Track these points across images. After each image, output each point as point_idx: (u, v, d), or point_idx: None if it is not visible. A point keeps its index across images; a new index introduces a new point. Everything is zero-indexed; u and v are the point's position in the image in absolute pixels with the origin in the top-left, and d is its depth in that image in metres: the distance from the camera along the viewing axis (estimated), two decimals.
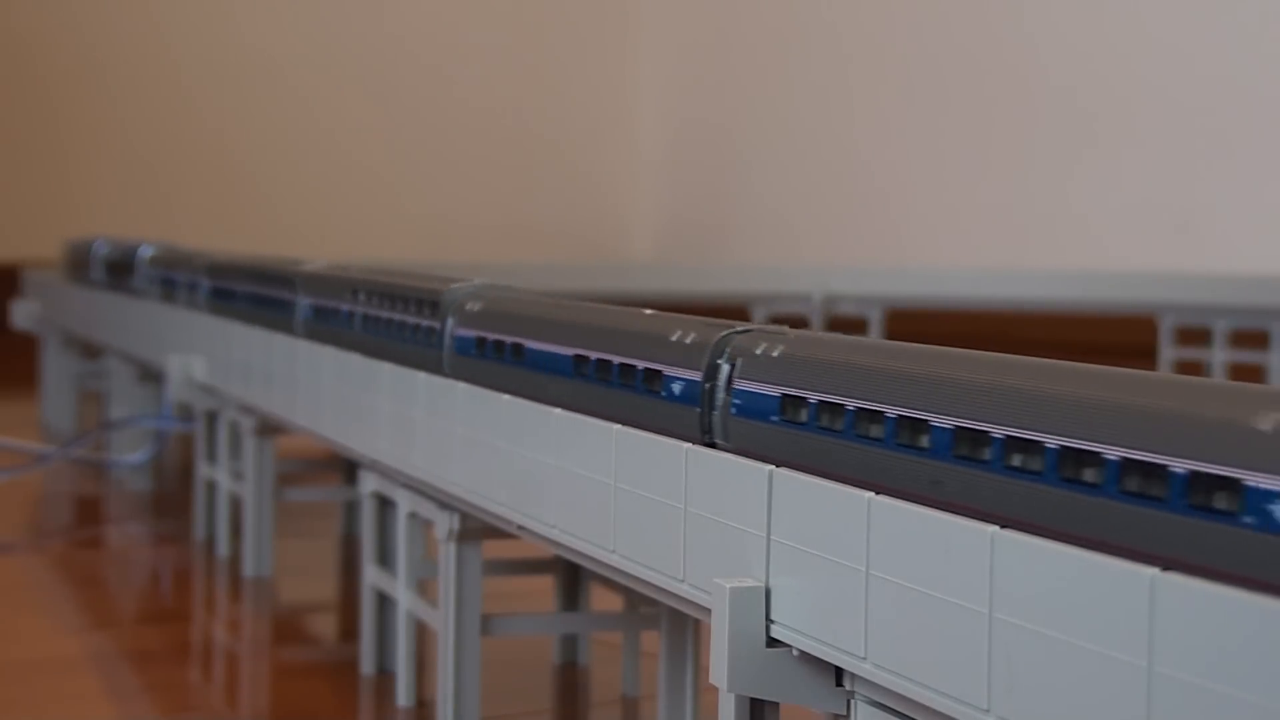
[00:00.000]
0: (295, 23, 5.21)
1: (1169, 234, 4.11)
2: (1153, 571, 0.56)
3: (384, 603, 1.44)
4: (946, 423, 0.70)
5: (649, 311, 1.01)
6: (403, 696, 1.35)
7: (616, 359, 0.98)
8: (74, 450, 2.52)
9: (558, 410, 1.02)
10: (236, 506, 1.93)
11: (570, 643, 1.47)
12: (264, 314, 1.76)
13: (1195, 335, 3.87)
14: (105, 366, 2.76)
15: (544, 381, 1.08)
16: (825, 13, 5.27)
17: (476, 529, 1.22)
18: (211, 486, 2.03)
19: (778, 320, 4.29)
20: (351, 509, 2.03)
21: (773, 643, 0.78)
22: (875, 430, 0.75)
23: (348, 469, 1.89)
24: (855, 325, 4.01)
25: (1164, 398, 0.60)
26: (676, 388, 0.92)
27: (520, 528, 1.08)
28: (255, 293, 1.82)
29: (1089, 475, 0.61)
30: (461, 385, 1.17)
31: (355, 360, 1.41)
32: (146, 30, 5.00)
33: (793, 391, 0.82)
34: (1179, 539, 0.57)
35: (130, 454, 2.47)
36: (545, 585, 1.48)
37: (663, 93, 5.90)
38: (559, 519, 1.01)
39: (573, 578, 1.43)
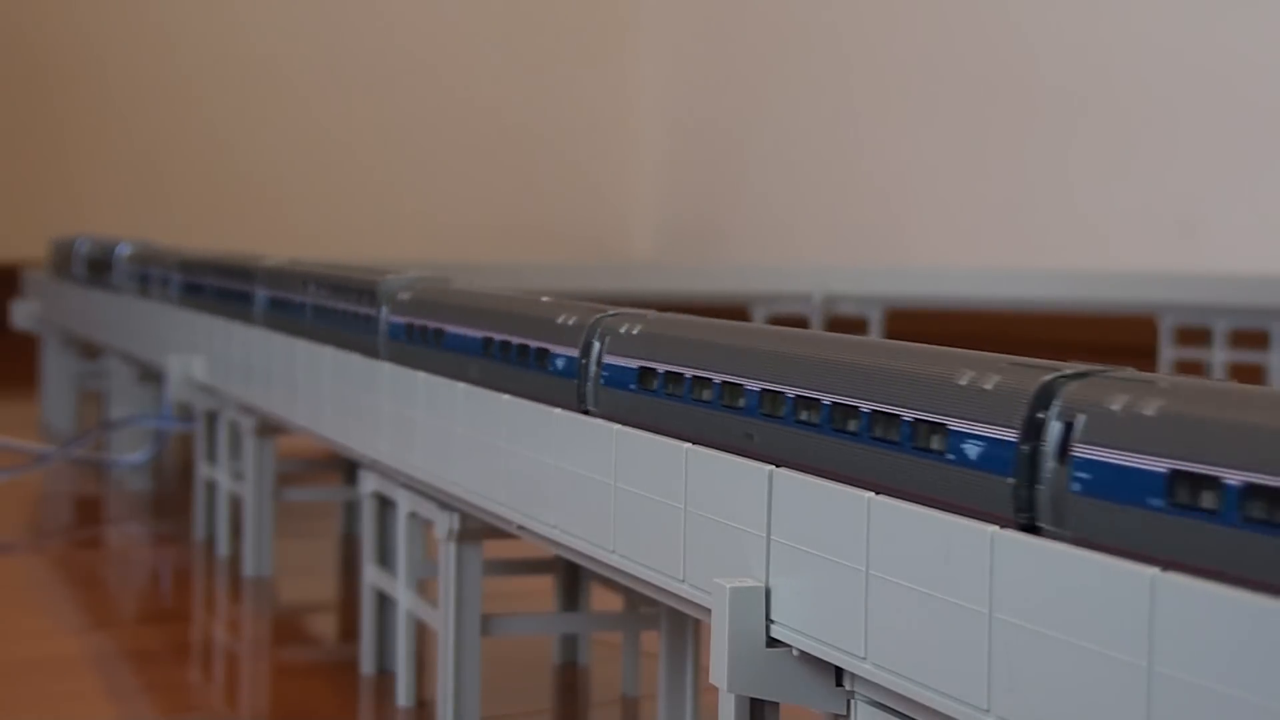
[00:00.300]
0: (294, 22, 5.21)
1: (1169, 234, 4.11)
2: (1153, 571, 0.56)
3: (384, 603, 1.44)
4: (755, 386, 0.84)
5: (545, 299, 1.14)
6: (403, 696, 1.35)
7: (515, 340, 1.12)
8: (74, 450, 2.52)
9: (558, 410, 1.02)
10: (236, 506, 1.93)
11: (570, 643, 1.47)
12: (227, 305, 1.92)
13: (1195, 335, 3.87)
14: (105, 366, 2.76)
15: (462, 361, 1.21)
16: (825, 13, 5.27)
17: (476, 529, 1.22)
18: (211, 486, 2.03)
19: (778, 320, 4.29)
20: (351, 509, 2.03)
21: (773, 643, 0.78)
22: (705, 394, 0.89)
23: (348, 469, 1.89)
24: (855, 325, 4.01)
25: (898, 360, 0.75)
26: (560, 363, 1.06)
27: (520, 528, 1.08)
28: (219, 286, 1.99)
29: (851, 426, 0.75)
30: (462, 385, 1.17)
31: (355, 360, 1.41)
32: (147, 31, 5.00)
33: (647, 364, 0.96)
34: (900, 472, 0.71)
35: (130, 454, 2.47)
36: (545, 585, 1.48)
37: (663, 93, 5.90)
38: (559, 519, 1.01)
39: (573, 578, 1.43)
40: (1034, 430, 0.65)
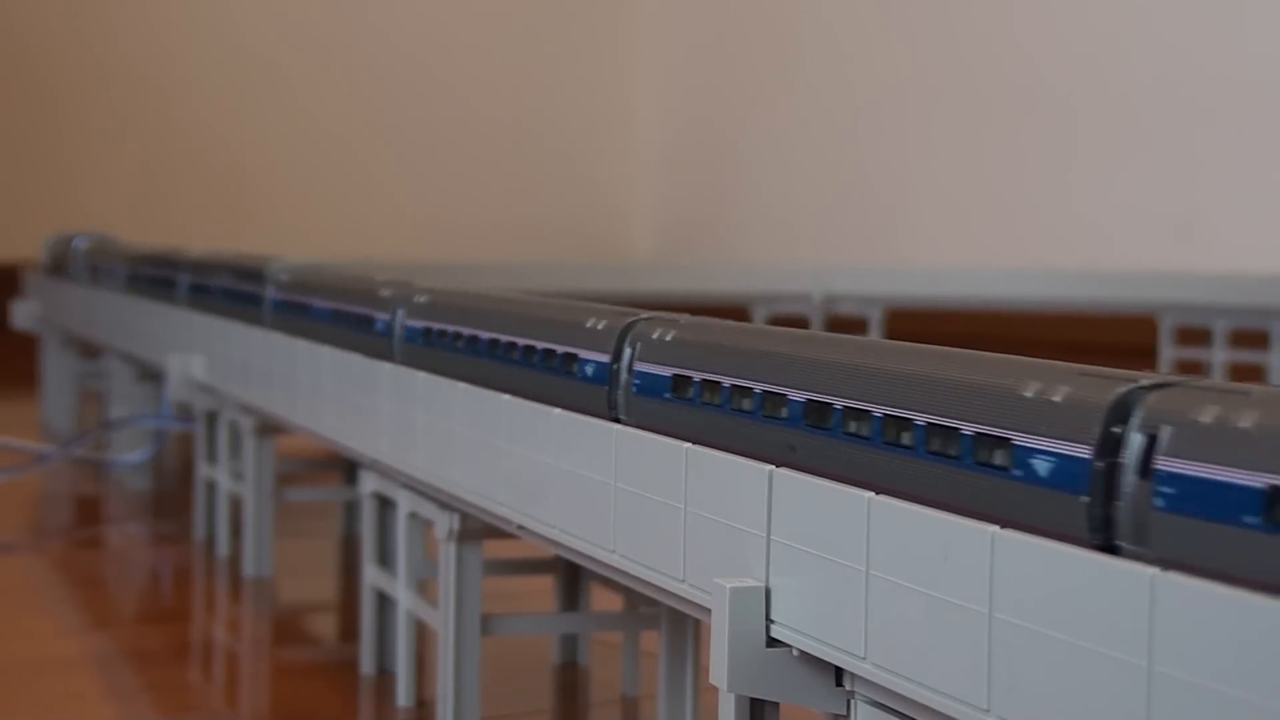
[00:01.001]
0: (294, 22, 5.21)
1: (1169, 234, 4.11)
2: (1153, 571, 0.56)
3: (384, 603, 1.44)
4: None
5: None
6: (403, 696, 1.35)
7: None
8: (74, 450, 2.52)
9: (557, 410, 1.02)
10: (236, 506, 1.93)
11: (570, 643, 1.47)
12: (159, 292, 2.25)
13: (1195, 335, 3.87)
14: (105, 366, 2.77)
15: (310, 328, 1.45)
16: (825, 14, 5.27)
17: (476, 529, 1.22)
18: (211, 486, 2.03)
19: (778, 321, 4.28)
20: (351, 509, 2.03)
21: (773, 643, 0.78)
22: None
23: (348, 469, 1.89)
24: (855, 325, 4.01)
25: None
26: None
27: (520, 528, 1.08)
28: (152, 275, 2.32)
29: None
30: (462, 385, 1.17)
31: (355, 360, 1.41)
32: (147, 31, 5.00)
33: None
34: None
35: (130, 454, 2.47)
36: (545, 585, 1.48)
37: (663, 93, 5.90)
38: (559, 519, 1.01)
39: (573, 578, 1.43)
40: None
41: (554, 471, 1.01)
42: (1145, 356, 3.90)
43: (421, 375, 1.25)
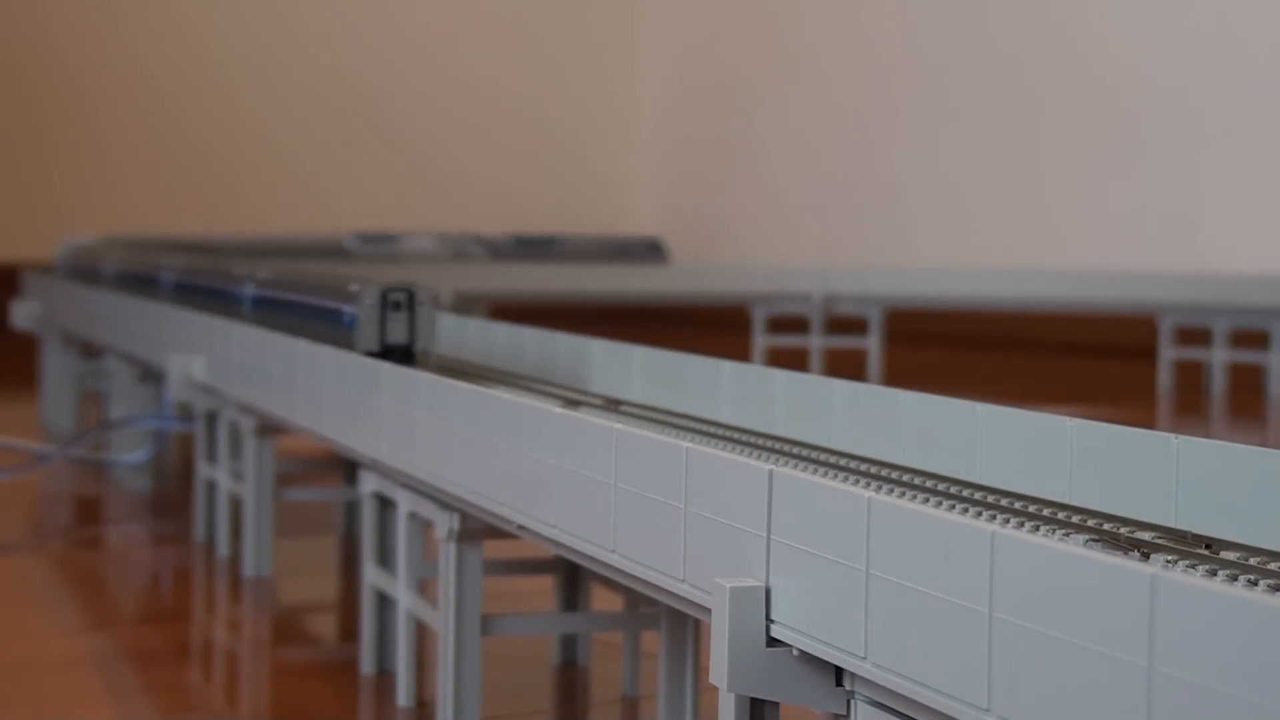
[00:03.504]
0: (299, 11, 5.22)
1: (1169, 235, 4.11)
2: (1153, 571, 0.56)
3: (384, 603, 1.44)
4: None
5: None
6: (403, 696, 1.35)
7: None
8: (74, 450, 2.52)
9: (558, 409, 1.02)
10: (236, 506, 1.93)
11: (570, 643, 1.47)
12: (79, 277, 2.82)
13: (1195, 335, 3.87)
14: (105, 366, 2.77)
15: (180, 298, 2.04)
16: (825, 15, 5.27)
17: (477, 529, 1.22)
18: (211, 486, 2.03)
19: (778, 321, 4.28)
20: (351, 509, 2.03)
21: (773, 643, 0.78)
22: None
23: (348, 469, 1.89)
24: (855, 325, 4.01)
25: None
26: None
27: (520, 528, 1.08)
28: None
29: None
30: (462, 384, 1.17)
31: (355, 360, 1.41)
32: (147, 30, 5.00)
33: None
34: None
35: (130, 454, 2.47)
36: (545, 585, 1.48)
37: (663, 94, 5.90)
38: (559, 519, 1.01)
39: (573, 578, 1.43)
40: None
41: (554, 471, 1.01)
42: (1145, 356, 3.91)
43: (422, 375, 1.25)
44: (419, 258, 4.24)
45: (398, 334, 1.44)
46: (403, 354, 1.44)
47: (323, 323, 1.54)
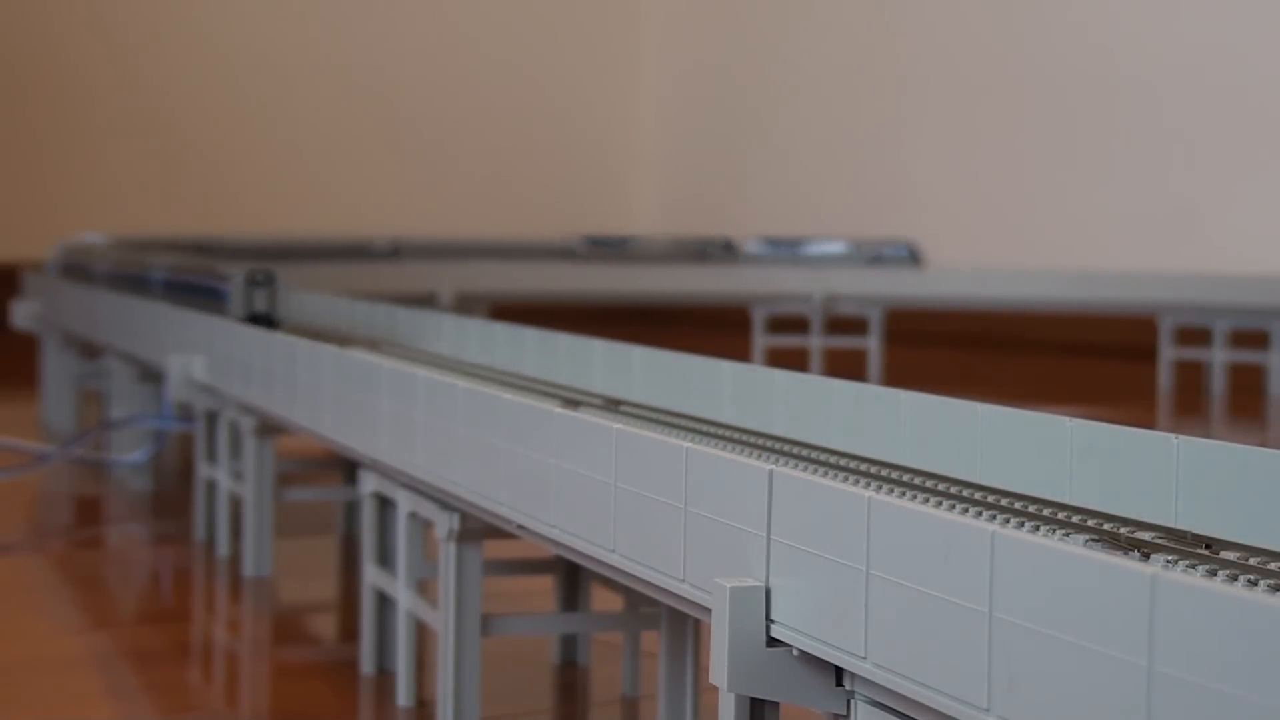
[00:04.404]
0: (300, 11, 5.21)
1: (1170, 234, 4.11)
2: (1153, 571, 0.56)
3: (384, 603, 1.44)
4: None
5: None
6: (403, 696, 1.35)
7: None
8: (74, 450, 2.52)
9: (558, 409, 1.02)
10: (236, 506, 1.93)
11: (570, 643, 1.47)
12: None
13: (1195, 335, 3.87)
14: (105, 366, 2.77)
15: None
16: (826, 15, 5.27)
17: (477, 529, 1.22)
18: (211, 486, 2.03)
19: (778, 321, 4.27)
20: (351, 509, 2.03)
21: (773, 642, 0.78)
22: None
23: (348, 469, 1.89)
24: (855, 325, 4.01)
25: None
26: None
27: (520, 528, 1.08)
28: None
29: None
30: (462, 384, 1.17)
31: (355, 359, 1.41)
32: (147, 30, 4.99)
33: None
34: None
35: (130, 454, 2.47)
36: (545, 585, 1.48)
37: (666, 91, 5.89)
38: (559, 519, 1.01)
39: (573, 578, 1.43)
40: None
41: (554, 471, 1.01)
42: (1145, 356, 3.91)
43: (421, 375, 1.25)
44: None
45: (260, 305, 1.94)
46: (265, 321, 1.91)
47: (208, 298, 2.05)
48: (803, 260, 4.18)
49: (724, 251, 4.24)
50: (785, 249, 4.23)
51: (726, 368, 1.25)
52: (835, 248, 4.22)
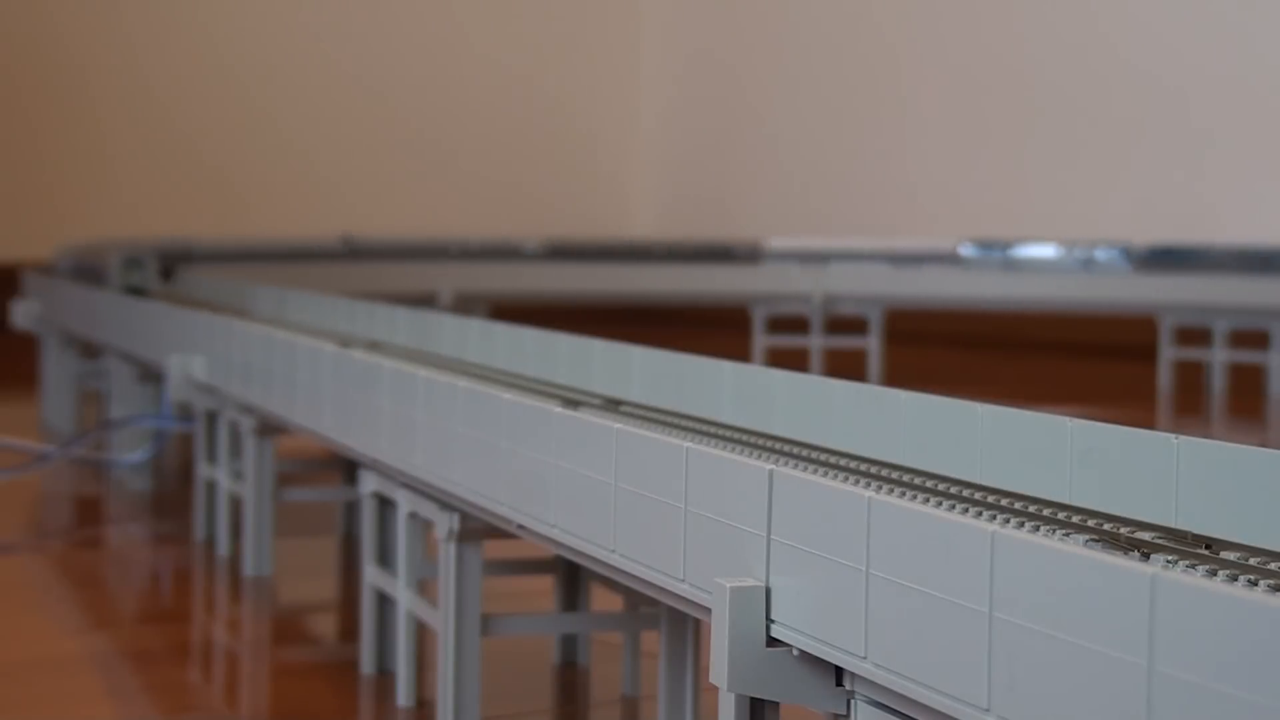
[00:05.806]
0: (300, 12, 5.22)
1: (1169, 233, 4.11)
2: (1153, 571, 0.56)
3: (384, 603, 1.44)
4: None
5: None
6: (403, 696, 1.35)
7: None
8: (74, 450, 2.52)
9: (558, 409, 1.02)
10: (236, 506, 1.93)
11: (570, 643, 1.47)
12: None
13: (1195, 335, 3.87)
14: (105, 366, 2.77)
15: None
16: (827, 15, 5.27)
17: (477, 529, 1.22)
18: (211, 486, 2.03)
19: (778, 321, 4.28)
20: (351, 509, 2.03)
21: (773, 642, 0.78)
22: None
23: (348, 469, 1.89)
24: (855, 325, 4.01)
25: None
26: None
27: (520, 527, 1.08)
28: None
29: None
30: (462, 384, 1.17)
31: (355, 359, 1.41)
32: (148, 31, 4.99)
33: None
34: None
35: (130, 454, 2.47)
36: (545, 585, 1.48)
37: (665, 95, 5.89)
38: (559, 519, 1.01)
39: (573, 578, 1.43)
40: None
41: (554, 471, 1.01)
42: (1145, 357, 3.90)
43: (421, 375, 1.25)
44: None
45: (135, 281, 2.72)
46: (138, 293, 2.50)
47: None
48: (1014, 264, 3.97)
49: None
50: (997, 251, 4.05)
51: (726, 368, 1.25)
52: (1046, 251, 4.03)
